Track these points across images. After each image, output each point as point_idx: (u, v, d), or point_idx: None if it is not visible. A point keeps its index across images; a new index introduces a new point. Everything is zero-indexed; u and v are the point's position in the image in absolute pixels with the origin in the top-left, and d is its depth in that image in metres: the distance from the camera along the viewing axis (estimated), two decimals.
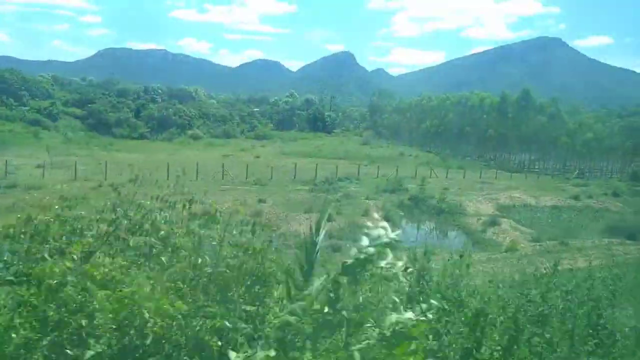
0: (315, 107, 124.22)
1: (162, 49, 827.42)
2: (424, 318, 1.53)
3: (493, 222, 31.47)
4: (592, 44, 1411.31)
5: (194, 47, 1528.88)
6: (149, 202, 3.02)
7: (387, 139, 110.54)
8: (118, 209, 2.94)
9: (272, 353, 1.49)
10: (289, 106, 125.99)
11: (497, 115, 72.66)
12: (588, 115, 77.11)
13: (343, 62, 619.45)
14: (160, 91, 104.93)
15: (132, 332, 2.12)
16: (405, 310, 1.53)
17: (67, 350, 2.04)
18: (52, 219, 2.71)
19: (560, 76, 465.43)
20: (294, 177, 43.42)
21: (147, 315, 2.09)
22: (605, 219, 35.76)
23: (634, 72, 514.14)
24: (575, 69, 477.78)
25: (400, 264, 1.53)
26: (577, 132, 64.96)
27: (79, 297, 2.12)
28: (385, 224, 1.57)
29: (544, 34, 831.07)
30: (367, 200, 35.21)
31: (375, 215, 2.44)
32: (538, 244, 26.67)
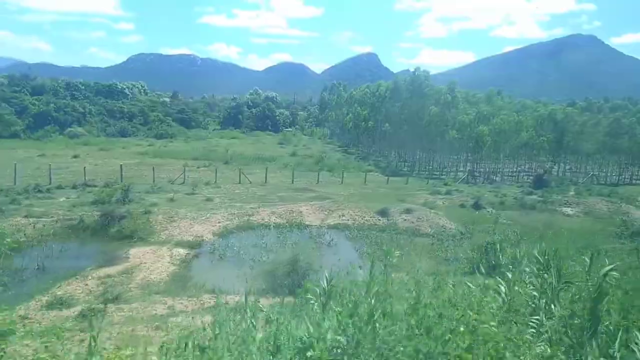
0: (264, 106, 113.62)
1: (191, 54, 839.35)
2: None
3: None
4: (629, 41, 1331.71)
5: (223, 51, 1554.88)
6: None
7: (330, 137, 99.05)
8: None
9: None
10: (234, 104, 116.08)
11: (390, 104, 59.38)
12: (507, 104, 62.19)
13: (367, 64, 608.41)
14: (82, 87, 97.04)
15: None
16: None
17: None
18: None
19: (595, 74, 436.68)
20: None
21: None
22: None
23: None
24: (612, 66, 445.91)
25: None
26: (471, 125, 51.00)
27: None
28: None
29: (577, 32, 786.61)
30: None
31: None
32: None
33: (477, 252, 23.77)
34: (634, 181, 53.67)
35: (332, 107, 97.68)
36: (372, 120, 60.76)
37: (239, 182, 38.68)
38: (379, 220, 29.83)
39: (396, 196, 37.00)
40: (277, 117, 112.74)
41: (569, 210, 36.88)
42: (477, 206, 35.99)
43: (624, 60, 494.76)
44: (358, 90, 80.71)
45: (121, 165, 38.85)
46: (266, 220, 27.73)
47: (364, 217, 30.03)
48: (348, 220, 29.41)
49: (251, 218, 27.87)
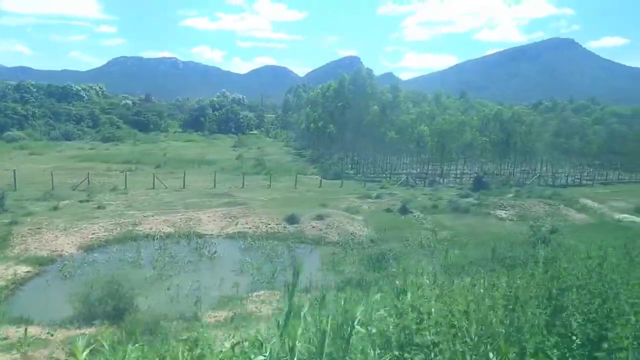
0: (228, 108, 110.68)
1: (173, 57, 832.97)
2: None
3: None
4: (606, 44, 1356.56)
5: (207, 55, 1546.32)
6: None
7: (295, 140, 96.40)
8: None
9: None
10: (197, 106, 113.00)
11: (333, 105, 56.88)
12: (453, 104, 59.96)
13: (349, 67, 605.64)
14: (34, 90, 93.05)
15: None
16: None
17: None
18: None
19: (573, 76, 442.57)
20: None
21: None
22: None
23: None
24: (589, 69, 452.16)
25: None
26: (412, 126, 48.71)
27: None
28: None
29: (556, 36, 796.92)
30: None
31: None
32: None
33: (367, 263, 21.42)
34: (584, 182, 51.94)
35: (294, 109, 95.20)
36: (321, 122, 58.29)
37: (153, 187, 35.79)
38: (285, 227, 27.22)
39: (321, 201, 34.45)
40: (241, 120, 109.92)
41: (502, 214, 34.69)
42: (404, 210, 33.64)
43: (601, 63, 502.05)
44: (314, 91, 78.22)
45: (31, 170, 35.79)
46: (154, 230, 24.92)
47: (270, 224, 27.39)
48: (250, 228, 26.75)
49: (137, 228, 25.04)
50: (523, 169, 56.13)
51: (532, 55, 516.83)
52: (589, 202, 39.95)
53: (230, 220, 27.80)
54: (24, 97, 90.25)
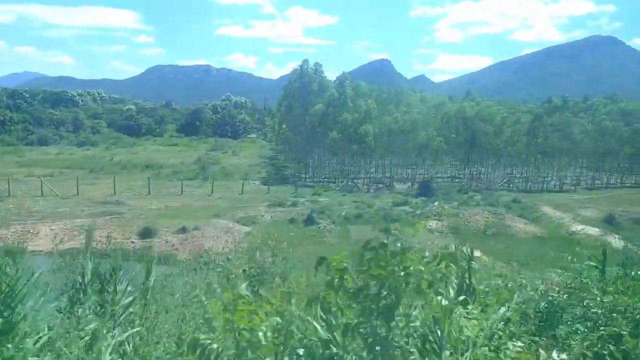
0: (225, 112, 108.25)
1: (207, 64, 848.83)
2: None
3: None
4: None
5: (241, 62, 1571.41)
6: None
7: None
8: None
9: None
10: (193, 109, 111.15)
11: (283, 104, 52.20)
12: (415, 101, 53.30)
13: (379, 71, 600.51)
14: (27, 96, 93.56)
15: None
16: None
17: None
18: None
19: (615, 75, 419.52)
20: None
21: None
22: None
23: None
24: (633, 67, 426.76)
25: None
26: (353, 125, 43.33)
27: None
28: None
29: (597, 33, 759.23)
30: None
31: None
32: None
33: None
34: (566, 187, 44.91)
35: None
36: (283, 124, 53.95)
37: (42, 195, 32.61)
38: (133, 242, 23.25)
39: (222, 210, 30.39)
40: (238, 124, 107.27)
41: (432, 224, 29.41)
42: (309, 221, 29.13)
43: None
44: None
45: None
46: None
47: (117, 238, 23.45)
48: (92, 243, 22.88)
49: None
50: (490, 172, 49.21)
51: (571, 54, 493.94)
52: (549, 211, 33.98)
53: (77, 233, 24.06)
54: (17, 103, 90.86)
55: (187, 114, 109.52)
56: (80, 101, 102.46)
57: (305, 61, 53.75)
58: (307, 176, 47.60)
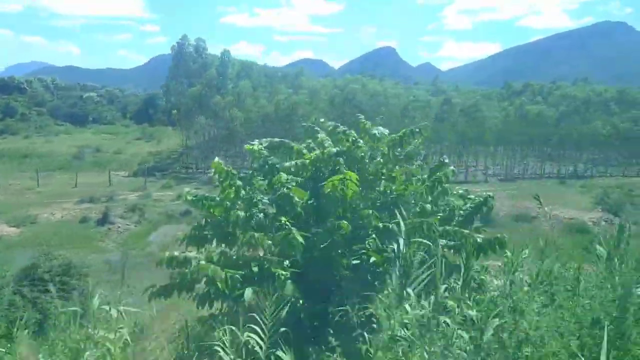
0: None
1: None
2: None
3: None
4: None
5: (247, 50, 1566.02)
6: None
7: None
8: None
9: None
10: (147, 96, 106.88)
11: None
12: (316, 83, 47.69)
13: (384, 58, 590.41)
14: None
15: None
16: None
17: None
18: None
19: (625, 61, 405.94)
20: None
21: None
22: None
23: None
24: None
25: None
26: (225, 109, 38.05)
27: None
28: None
29: (607, 19, 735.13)
30: None
31: None
32: None
33: None
34: (477, 178, 39.03)
35: None
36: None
37: None
38: None
39: (18, 205, 26.04)
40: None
41: None
42: (104, 221, 24.71)
43: None
44: None
45: None
46: None
47: None
48: None
49: None
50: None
51: (580, 40, 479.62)
52: None
53: None
54: None
55: (138, 102, 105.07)
56: (28, 88, 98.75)
57: (185, 37, 48.62)
58: (197, 167, 43.07)
